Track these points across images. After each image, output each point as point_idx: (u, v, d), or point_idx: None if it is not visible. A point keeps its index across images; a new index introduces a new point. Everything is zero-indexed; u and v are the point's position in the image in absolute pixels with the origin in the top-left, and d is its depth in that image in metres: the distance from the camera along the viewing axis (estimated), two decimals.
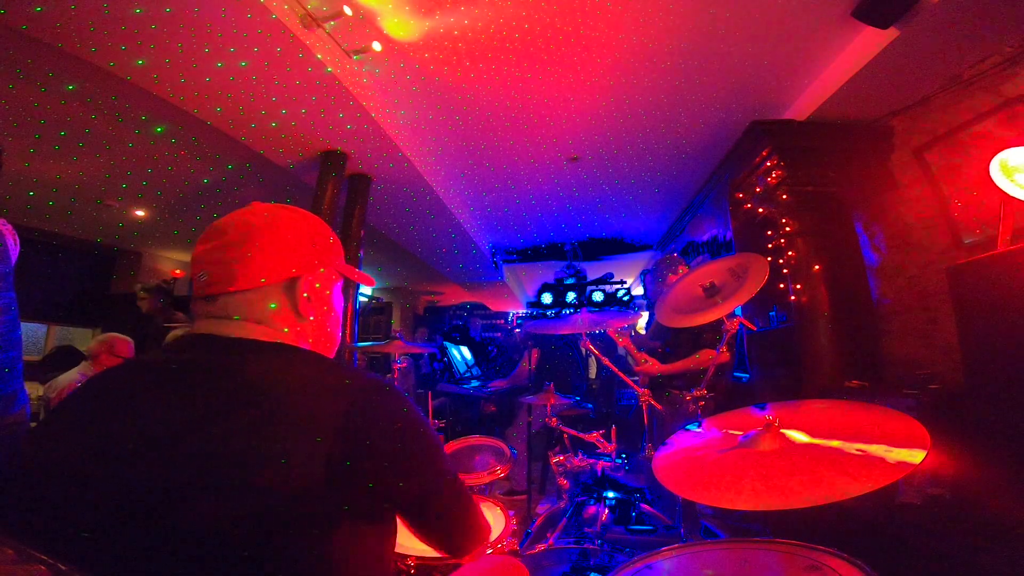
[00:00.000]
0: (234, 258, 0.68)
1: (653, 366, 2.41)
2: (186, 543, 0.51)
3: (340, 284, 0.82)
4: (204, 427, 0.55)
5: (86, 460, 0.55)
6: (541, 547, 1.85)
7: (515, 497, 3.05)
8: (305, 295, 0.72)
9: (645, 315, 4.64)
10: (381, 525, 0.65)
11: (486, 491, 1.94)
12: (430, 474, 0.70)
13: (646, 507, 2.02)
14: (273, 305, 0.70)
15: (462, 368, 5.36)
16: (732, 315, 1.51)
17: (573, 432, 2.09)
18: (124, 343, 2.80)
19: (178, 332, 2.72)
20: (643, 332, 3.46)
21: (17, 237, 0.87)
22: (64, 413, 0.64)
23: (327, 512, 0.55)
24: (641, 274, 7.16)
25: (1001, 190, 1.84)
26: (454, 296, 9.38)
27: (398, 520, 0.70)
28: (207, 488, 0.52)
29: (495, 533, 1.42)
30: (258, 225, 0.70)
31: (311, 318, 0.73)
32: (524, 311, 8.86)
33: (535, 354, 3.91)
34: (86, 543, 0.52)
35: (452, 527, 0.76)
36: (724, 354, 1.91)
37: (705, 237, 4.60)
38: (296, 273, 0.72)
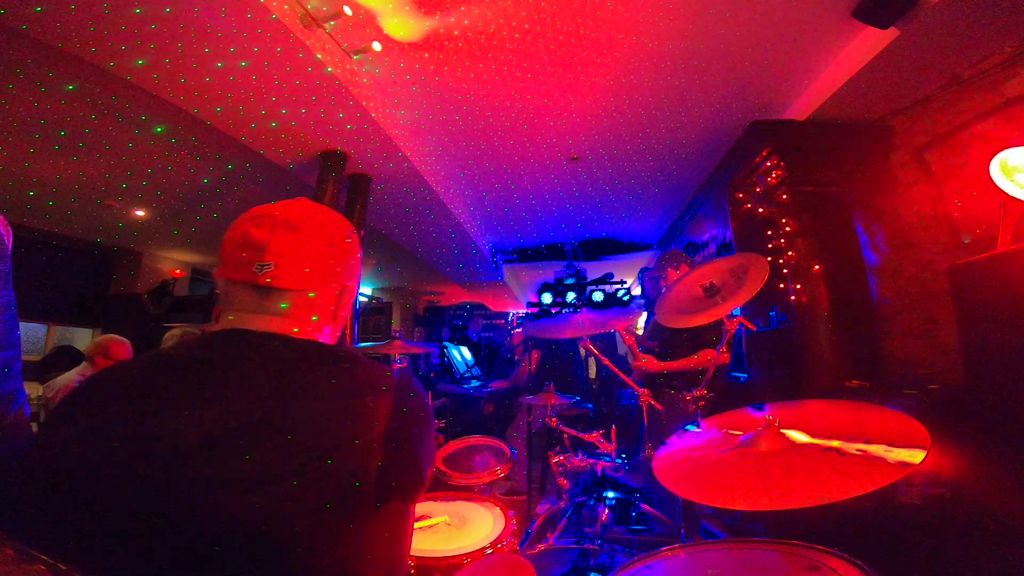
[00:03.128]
0: (311, 257, 0.68)
1: (650, 363, 2.41)
2: (236, 536, 0.51)
3: None
4: (265, 423, 0.56)
5: (124, 459, 0.53)
6: (541, 547, 1.85)
7: (515, 497, 3.04)
8: (348, 303, 0.75)
9: (644, 315, 4.64)
10: (410, 508, 0.68)
11: (486, 491, 1.93)
12: (420, 468, 0.67)
13: (646, 507, 2.02)
14: (318, 309, 0.71)
15: (462, 368, 5.36)
16: (732, 315, 1.51)
17: (573, 432, 2.09)
18: (119, 345, 2.76)
19: (176, 331, 2.70)
20: (641, 332, 3.46)
21: (10, 231, 0.86)
22: (85, 410, 0.59)
23: (378, 496, 0.57)
24: (640, 272, 7.14)
25: (1001, 190, 1.84)
26: (454, 296, 9.37)
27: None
28: (273, 479, 0.52)
29: (495, 533, 1.42)
30: (333, 229, 0.71)
31: (342, 323, 0.77)
32: (524, 311, 8.86)
33: (535, 355, 3.91)
34: (120, 543, 0.51)
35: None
36: (724, 354, 1.91)
37: (705, 237, 4.60)
38: (349, 282, 0.74)
